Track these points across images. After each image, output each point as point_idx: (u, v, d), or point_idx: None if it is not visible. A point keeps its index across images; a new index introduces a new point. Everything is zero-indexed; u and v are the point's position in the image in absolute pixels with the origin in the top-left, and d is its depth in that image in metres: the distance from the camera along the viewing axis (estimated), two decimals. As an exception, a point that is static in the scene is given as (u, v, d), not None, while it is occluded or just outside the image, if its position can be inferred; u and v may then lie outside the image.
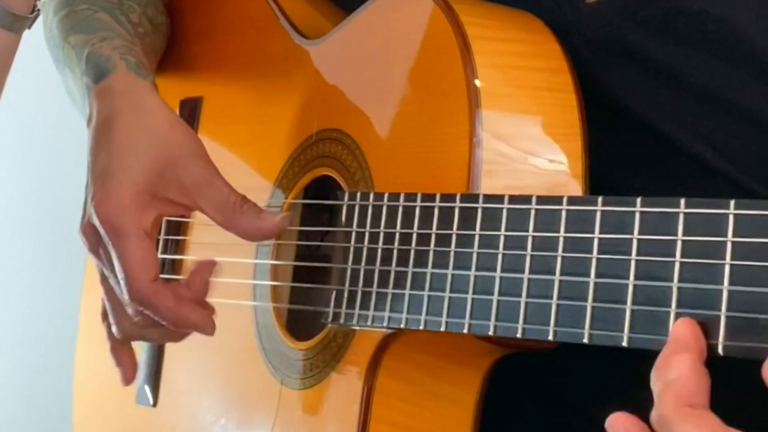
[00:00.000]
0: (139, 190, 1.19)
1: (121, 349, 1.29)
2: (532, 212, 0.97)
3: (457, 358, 1.11)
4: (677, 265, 0.86)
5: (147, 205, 1.20)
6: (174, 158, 1.21)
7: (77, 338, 1.60)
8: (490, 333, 0.98)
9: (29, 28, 1.29)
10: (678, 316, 0.86)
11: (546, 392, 1.24)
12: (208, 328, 1.21)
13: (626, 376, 1.02)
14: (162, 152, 1.22)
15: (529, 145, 1.09)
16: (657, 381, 0.83)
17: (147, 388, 1.41)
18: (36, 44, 1.48)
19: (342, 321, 1.14)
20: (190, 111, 1.45)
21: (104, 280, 1.25)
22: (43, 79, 1.57)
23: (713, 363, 0.88)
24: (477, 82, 1.07)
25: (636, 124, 1.16)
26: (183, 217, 1.43)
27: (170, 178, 1.20)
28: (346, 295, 1.13)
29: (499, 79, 1.09)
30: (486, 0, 1.20)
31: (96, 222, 1.19)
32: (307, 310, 1.23)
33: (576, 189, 1.09)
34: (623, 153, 1.15)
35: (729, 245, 0.81)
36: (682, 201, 0.84)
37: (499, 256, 0.98)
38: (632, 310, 0.89)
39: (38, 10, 1.29)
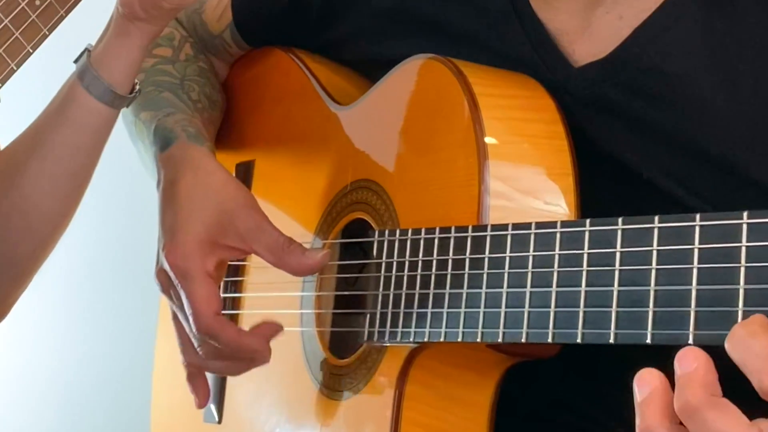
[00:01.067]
0: (201, 240, 1.24)
1: (197, 378, 1.33)
2: (532, 236, 1.00)
3: (473, 367, 1.13)
4: (653, 272, 0.88)
5: (209, 251, 1.24)
6: (230, 210, 1.26)
7: (154, 366, 1.60)
8: (499, 340, 1.01)
9: (126, 106, 1.33)
10: (654, 314, 0.88)
11: (552, 398, 1.24)
12: (266, 357, 1.24)
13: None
14: (219, 206, 1.27)
15: (529, 184, 1.12)
16: (678, 373, 0.82)
17: (213, 407, 1.42)
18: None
19: (375, 339, 1.17)
20: (245, 172, 1.48)
21: (175, 317, 1.29)
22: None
23: None
24: (485, 135, 1.11)
25: (618, 168, 1.18)
26: (241, 260, 1.44)
27: (228, 227, 1.25)
28: (378, 317, 1.16)
29: (503, 130, 1.12)
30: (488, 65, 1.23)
31: (167, 268, 1.25)
32: (346, 332, 1.26)
33: (570, 207, 1.11)
34: (607, 192, 1.15)
35: (696, 253, 0.84)
36: (656, 218, 0.88)
37: (505, 275, 1.01)
38: (617, 312, 0.91)
39: (138, 90, 1.33)
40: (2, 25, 1.24)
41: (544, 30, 1.22)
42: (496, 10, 1.25)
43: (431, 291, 1.10)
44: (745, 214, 0.83)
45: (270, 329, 1.26)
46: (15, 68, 1.24)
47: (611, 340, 0.93)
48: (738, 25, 1.14)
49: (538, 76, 1.20)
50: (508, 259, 1.03)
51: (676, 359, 0.81)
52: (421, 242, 1.13)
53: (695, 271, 0.84)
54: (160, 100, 1.44)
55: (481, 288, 1.05)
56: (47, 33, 1.25)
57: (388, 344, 1.16)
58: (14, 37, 1.24)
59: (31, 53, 1.25)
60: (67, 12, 1.26)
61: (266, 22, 1.49)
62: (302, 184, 1.40)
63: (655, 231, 0.90)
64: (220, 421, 1.43)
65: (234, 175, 1.50)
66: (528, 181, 1.14)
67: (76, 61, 1.32)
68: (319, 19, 1.43)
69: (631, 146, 1.18)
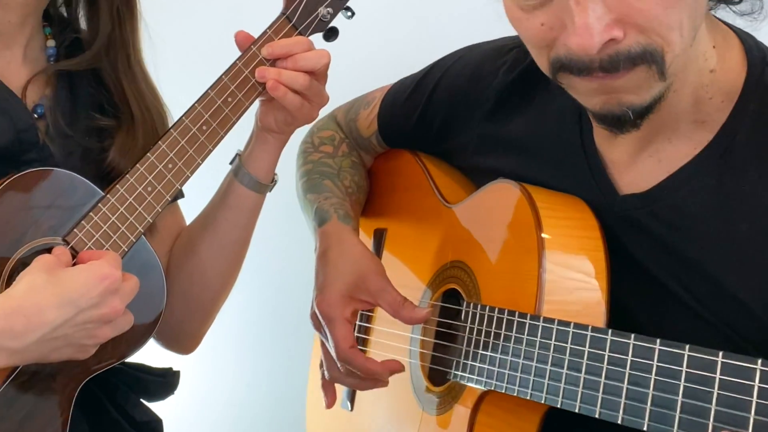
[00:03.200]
0: (342, 295, 1.31)
1: (327, 386, 1.39)
2: (571, 334, 1.05)
3: (523, 405, 1.16)
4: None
5: (347, 303, 1.31)
6: (364, 275, 1.32)
7: (309, 379, 1.61)
8: (543, 401, 1.07)
9: (269, 191, 1.36)
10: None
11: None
12: (385, 382, 1.30)
13: None
14: (356, 271, 1.33)
15: (573, 284, 1.15)
16: None
17: (348, 403, 1.49)
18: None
19: (458, 379, 1.23)
20: (380, 236, 1.53)
21: (323, 345, 1.35)
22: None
23: None
24: (544, 248, 1.15)
25: (643, 274, 1.17)
26: (370, 311, 1.48)
27: (362, 287, 1.31)
28: (461, 364, 1.22)
29: (558, 243, 1.16)
30: (558, 183, 1.23)
31: (317, 313, 1.32)
32: (440, 369, 1.30)
33: (600, 302, 1.15)
34: (632, 292, 1.16)
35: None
36: (720, 353, 0.90)
37: (535, 353, 1.08)
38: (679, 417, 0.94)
39: (276, 180, 1.36)
40: (179, 145, 1.24)
41: (600, 160, 1.21)
42: (568, 142, 1.25)
43: (498, 355, 1.15)
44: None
45: (394, 365, 1.29)
46: (190, 174, 1.26)
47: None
48: (741, 180, 1.12)
49: (591, 196, 1.21)
50: (538, 342, 1.09)
51: None
52: (495, 317, 1.17)
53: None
54: (321, 186, 1.48)
55: (519, 358, 1.10)
56: (211, 149, 1.26)
57: (469, 384, 1.20)
58: (189, 153, 1.25)
59: (201, 164, 1.26)
60: (225, 133, 1.28)
61: (401, 133, 1.50)
62: (418, 253, 1.42)
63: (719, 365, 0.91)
64: (352, 410, 1.47)
65: (372, 237, 1.55)
66: (572, 282, 1.16)
67: (231, 163, 1.35)
68: (438, 134, 1.44)
69: (653, 259, 1.16)
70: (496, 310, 1.16)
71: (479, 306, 1.21)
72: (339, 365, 1.30)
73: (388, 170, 1.57)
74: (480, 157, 1.35)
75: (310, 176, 1.50)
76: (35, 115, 1.26)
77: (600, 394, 1.01)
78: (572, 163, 1.23)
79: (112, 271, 1.10)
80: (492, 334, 1.17)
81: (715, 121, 1.12)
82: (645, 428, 0.98)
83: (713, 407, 0.91)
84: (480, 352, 1.19)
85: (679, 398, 0.95)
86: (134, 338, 1.24)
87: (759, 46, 1.15)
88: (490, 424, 1.19)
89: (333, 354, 1.30)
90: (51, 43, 1.31)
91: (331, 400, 1.39)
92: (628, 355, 0.99)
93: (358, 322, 1.46)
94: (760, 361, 0.89)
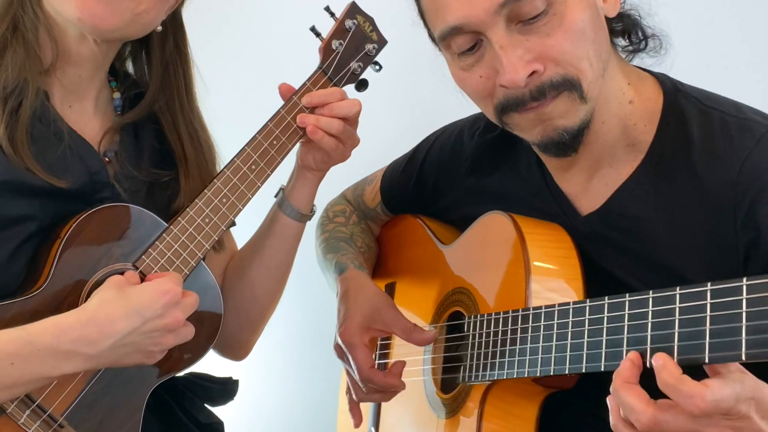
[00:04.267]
0: (360, 325, 1.38)
1: (354, 408, 1.44)
2: (557, 312, 1.12)
3: (524, 395, 1.24)
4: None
5: (364, 332, 1.38)
6: (378, 308, 1.40)
7: (339, 403, 1.63)
8: (538, 374, 1.14)
9: (309, 220, 1.42)
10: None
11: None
12: (402, 388, 1.36)
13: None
14: (371, 306, 1.40)
15: (555, 284, 1.23)
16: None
17: (372, 429, 1.52)
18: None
19: (466, 381, 1.28)
20: (391, 288, 1.59)
21: (347, 373, 1.41)
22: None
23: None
24: (529, 257, 1.23)
25: (607, 276, 1.24)
26: (388, 338, 1.53)
27: (376, 318, 1.39)
28: (468, 367, 1.28)
29: (539, 254, 1.24)
30: (534, 217, 1.31)
31: (340, 343, 1.39)
32: (449, 378, 1.37)
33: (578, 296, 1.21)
34: (600, 293, 1.13)
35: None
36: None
37: (541, 336, 1.14)
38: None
39: (314, 211, 1.42)
40: (232, 182, 1.30)
41: (562, 193, 1.30)
42: (535, 183, 1.34)
43: (498, 349, 1.22)
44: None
45: (399, 365, 1.36)
46: (242, 207, 1.31)
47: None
48: (672, 184, 1.20)
49: (560, 221, 1.30)
50: (542, 328, 1.14)
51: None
52: (492, 321, 1.25)
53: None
54: (338, 246, 1.57)
55: (527, 344, 1.16)
56: (260, 185, 1.32)
57: (474, 383, 1.27)
58: (240, 189, 1.31)
59: (251, 198, 1.32)
60: (272, 171, 1.33)
61: (400, 200, 1.60)
62: (423, 291, 1.49)
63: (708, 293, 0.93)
64: None
65: (384, 289, 1.60)
66: (554, 283, 1.23)
67: (276, 196, 1.41)
68: (432, 194, 1.53)
69: (614, 262, 1.24)
70: (493, 314, 1.24)
71: (479, 315, 1.28)
72: (362, 386, 1.35)
73: (393, 234, 1.65)
74: (468, 207, 1.42)
75: (327, 242, 1.59)
76: (106, 159, 1.30)
77: (584, 352, 1.06)
78: (540, 199, 1.32)
79: (173, 287, 1.16)
80: (491, 333, 1.24)
81: (643, 142, 1.22)
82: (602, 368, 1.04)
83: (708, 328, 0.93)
84: (483, 351, 1.25)
85: (676, 330, 0.97)
86: (196, 348, 1.29)
87: (670, 79, 1.26)
88: (496, 414, 1.24)
89: (356, 376, 1.35)
90: (117, 95, 1.35)
91: (358, 421, 1.43)
92: (604, 313, 1.05)
93: (378, 351, 1.52)
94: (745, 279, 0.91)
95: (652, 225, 1.21)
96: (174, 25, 1.36)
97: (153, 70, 1.36)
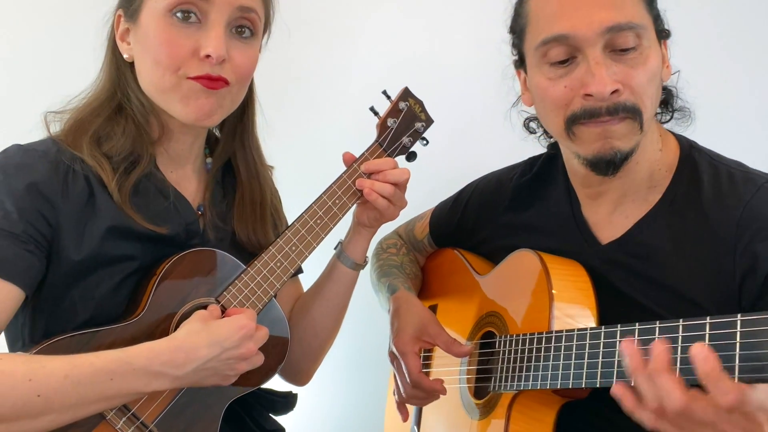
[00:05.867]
0: (411, 336, 1.47)
1: (401, 406, 1.54)
2: (576, 335, 1.21)
3: (545, 403, 1.32)
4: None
5: (414, 342, 1.47)
6: (424, 324, 1.48)
7: (386, 404, 1.73)
8: (557, 386, 1.22)
9: (362, 269, 1.49)
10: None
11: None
12: (444, 393, 1.43)
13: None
14: (419, 321, 1.49)
15: (573, 310, 1.31)
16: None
17: (415, 428, 1.59)
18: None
19: (497, 390, 1.35)
20: (433, 309, 1.66)
21: (396, 376, 1.49)
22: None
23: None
24: (552, 288, 1.32)
25: (624, 298, 1.30)
26: (430, 351, 1.60)
27: (424, 331, 1.47)
28: (499, 378, 1.35)
29: (560, 285, 1.32)
30: (559, 246, 1.38)
31: (394, 350, 1.48)
32: (482, 386, 1.42)
33: (593, 322, 1.28)
34: (618, 313, 1.26)
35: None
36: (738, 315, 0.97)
37: (562, 355, 1.22)
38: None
39: (367, 261, 1.51)
40: (300, 234, 1.39)
41: (586, 223, 1.38)
42: (562, 216, 1.41)
43: (524, 364, 1.30)
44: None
45: (439, 380, 1.44)
46: (307, 255, 1.40)
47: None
48: (683, 220, 1.28)
49: (582, 248, 1.36)
50: (563, 348, 1.23)
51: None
52: (520, 340, 1.32)
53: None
54: (390, 272, 1.68)
55: (549, 361, 1.25)
56: (323, 237, 1.40)
57: (503, 392, 1.34)
58: (307, 239, 1.40)
59: (316, 247, 1.40)
60: (334, 225, 1.41)
61: (445, 234, 1.68)
62: (461, 313, 1.56)
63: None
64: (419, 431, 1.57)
65: (427, 307, 1.61)
66: (572, 310, 1.31)
67: (335, 248, 1.48)
68: (472, 230, 1.61)
69: (630, 285, 1.30)
70: (521, 335, 1.32)
71: (509, 336, 1.35)
72: (410, 388, 1.44)
73: (435, 264, 1.73)
74: (503, 239, 1.51)
75: (381, 268, 1.68)
76: (199, 212, 1.39)
77: (599, 369, 1.15)
78: (567, 230, 1.40)
79: (249, 323, 1.25)
80: (519, 351, 1.31)
81: (661, 185, 1.31)
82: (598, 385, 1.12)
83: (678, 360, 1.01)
84: (512, 365, 1.32)
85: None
86: (265, 372, 1.37)
87: (686, 138, 1.37)
88: (521, 418, 1.32)
89: (407, 379, 1.43)
90: (209, 160, 1.44)
91: (404, 416, 1.51)
92: (616, 338, 1.14)
93: (423, 361, 1.59)
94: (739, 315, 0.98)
95: (664, 253, 1.27)
96: (249, 95, 1.45)
97: (226, 124, 1.45)
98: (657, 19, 1.28)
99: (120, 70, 1.33)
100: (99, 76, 1.36)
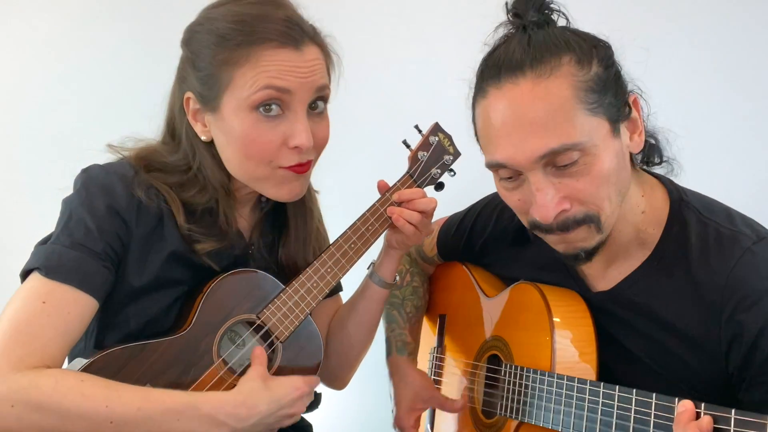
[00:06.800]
0: (407, 410, 1.57)
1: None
2: (576, 386, 1.24)
3: None
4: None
5: (410, 414, 1.56)
6: (417, 391, 1.56)
7: None
8: (559, 428, 1.27)
9: (392, 287, 1.56)
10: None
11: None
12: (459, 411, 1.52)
13: None
14: (411, 390, 1.57)
15: (575, 343, 1.34)
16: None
17: (429, 428, 1.65)
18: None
19: (503, 415, 1.41)
20: (442, 318, 1.70)
21: None
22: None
23: None
24: (553, 321, 1.35)
25: (616, 343, 1.34)
26: (441, 369, 1.66)
27: (417, 399, 1.57)
28: (505, 405, 1.41)
29: (562, 320, 1.36)
30: (555, 286, 1.41)
31: (395, 429, 1.59)
32: (489, 410, 1.48)
33: (592, 362, 1.33)
34: (611, 355, 1.34)
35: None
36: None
37: (553, 397, 1.27)
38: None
39: (397, 281, 1.56)
40: (336, 257, 1.47)
41: (581, 277, 1.40)
42: (564, 266, 1.43)
43: (528, 399, 1.33)
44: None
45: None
46: (341, 276, 1.47)
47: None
48: (670, 277, 1.29)
49: (576, 290, 1.41)
50: (565, 393, 1.28)
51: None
52: (524, 373, 1.36)
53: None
54: (391, 315, 1.71)
55: (552, 404, 1.28)
56: (357, 259, 1.47)
57: (509, 418, 1.39)
58: (342, 263, 1.48)
59: (349, 269, 1.47)
60: (366, 249, 1.48)
61: (452, 253, 1.71)
62: (468, 331, 1.60)
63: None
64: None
65: (438, 319, 1.72)
66: (573, 343, 1.34)
67: (368, 269, 1.55)
68: (479, 253, 1.64)
69: (621, 333, 1.34)
70: (525, 369, 1.35)
71: (514, 366, 1.38)
72: None
73: (445, 273, 1.76)
74: (506, 269, 1.55)
75: (385, 307, 1.68)
76: (252, 246, 1.47)
77: (598, 425, 1.21)
78: (563, 275, 1.42)
79: (304, 386, 1.35)
80: (523, 385, 1.35)
81: (650, 242, 1.31)
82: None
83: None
84: (516, 397, 1.36)
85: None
86: (305, 375, 1.43)
87: (676, 187, 1.33)
88: None
89: None
90: (264, 199, 1.49)
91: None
92: (614, 400, 1.20)
93: (434, 377, 1.69)
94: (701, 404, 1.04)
95: (651, 309, 1.30)
96: None
97: None
98: (611, 104, 1.22)
99: (191, 141, 1.38)
100: (163, 129, 1.42)
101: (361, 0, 2.26)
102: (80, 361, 1.28)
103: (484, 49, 1.30)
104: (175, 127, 1.39)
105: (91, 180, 1.32)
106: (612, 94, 1.21)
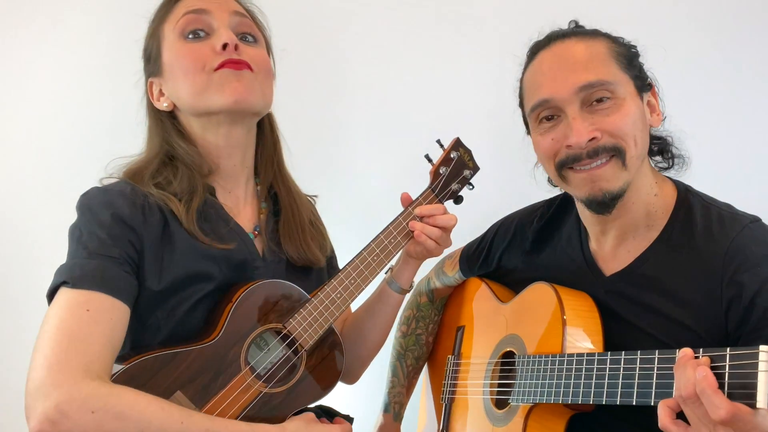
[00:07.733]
0: None
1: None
2: (585, 359, 1.30)
3: (556, 414, 1.39)
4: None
5: None
6: None
7: (420, 403, 1.79)
8: (568, 402, 1.32)
9: (408, 293, 1.58)
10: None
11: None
12: None
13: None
14: None
15: (583, 336, 1.38)
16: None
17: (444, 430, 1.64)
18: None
19: (516, 402, 1.44)
20: (461, 331, 1.72)
21: None
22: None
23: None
24: (564, 316, 1.40)
25: (625, 323, 1.38)
26: (458, 368, 1.64)
27: None
28: (519, 392, 1.44)
29: (572, 315, 1.40)
30: (569, 277, 1.45)
31: None
32: (503, 398, 1.50)
33: (599, 349, 1.36)
34: (620, 336, 1.36)
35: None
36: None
37: (573, 375, 1.31)
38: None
39: (413, 287, 1.57)
40: (359, 269, 1.47)
41: (593, 257, 1.46)
42: (573, 252, 1.50)
43: (539, 380, 1.38)
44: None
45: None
46: (365, 287, 1.48)
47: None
48: (677, 255, 1.35)
49: (588, 279, 1.44)
50: (565, 364, 1.32)
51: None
52: (537, 360, 1.41)
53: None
54: (394, 366, 1.77)
55: (562, 379, 1.35)
56: (379, 271, 1.48)
57: (520, 404, 1.42)
58: (365, 273, 1.48)
59: (372, 280, 1.48)
60: (388, 261, 1.49)
61: (473, 269, 1.76)
62: (485, 335, 1.65)
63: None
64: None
65: (456, 331, 1.74)
66: (581, 335, 1.39)
67: (386, 273, 1.56)
68: (496, 266, 1.71)
69: (631, 312, 1.37)
70: (538, 356, 1.40)
71: (527, 356, 1.44)
72: None
73: (464, 290, 1.81)
74: (523, 273, 1.60)
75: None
76: (255, 232, 1.45)
77: (605, 389, 1.26)
78: (576, 264, 1.49)
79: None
80: (535, 370, 1.40)
81: (658, 225, 1.38)
82: (618, 402, 1.19)
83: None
84: (529, 382, 1.41)
85: (654, 382, 1.14)
86: (327, 382, 1.46)
87: (683, 184, 1.44)
88: (536, 426, 1.41)
89: None
90: (259, 187, 1.52)
91: None
92: (620, 363, 1.22)
93: (452, 375, 1.69)
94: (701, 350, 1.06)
95: (661, 284, 1.35)
96: (269, 117, 1.54)
97: (266, 148, 1.52)
98: (637, 76, 1.38)
99: (163, 124, 1.41)
100: (147, 137, 1.46)
101: (389, 19, 2.20)
102: (115, 367, 1.26)
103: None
104: (150, 128, 1.45)
105: (91, 199, 1.33)
106: (637, 70, 1.38)
